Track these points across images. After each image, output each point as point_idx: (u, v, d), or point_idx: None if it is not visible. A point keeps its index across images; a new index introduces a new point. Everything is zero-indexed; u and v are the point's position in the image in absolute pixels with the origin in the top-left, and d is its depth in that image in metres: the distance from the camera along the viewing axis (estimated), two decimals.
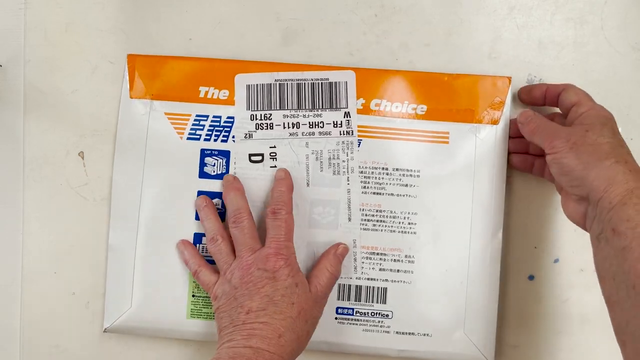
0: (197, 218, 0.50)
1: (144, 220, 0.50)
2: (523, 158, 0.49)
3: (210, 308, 0.49)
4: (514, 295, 0.51)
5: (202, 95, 0.50)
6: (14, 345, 0.51)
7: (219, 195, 0.50)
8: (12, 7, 0.52)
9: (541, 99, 0.48)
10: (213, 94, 0.50)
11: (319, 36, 0.51)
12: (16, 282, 0.51)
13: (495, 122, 0.50)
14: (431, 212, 0.50)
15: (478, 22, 0.52)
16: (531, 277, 0.51)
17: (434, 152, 0.50)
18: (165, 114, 0.50)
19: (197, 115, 0.50)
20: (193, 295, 0.50)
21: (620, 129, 0.51)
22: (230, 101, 0.50)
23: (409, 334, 0.49)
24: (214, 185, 0.50)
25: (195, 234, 0.50)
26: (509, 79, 0.50)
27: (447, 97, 0.50)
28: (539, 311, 0.51)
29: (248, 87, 0.50)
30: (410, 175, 0.50)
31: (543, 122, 0.45)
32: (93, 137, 0.52)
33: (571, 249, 0.51)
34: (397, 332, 0.49)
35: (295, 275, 0.45)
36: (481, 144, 0.49)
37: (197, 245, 0.50)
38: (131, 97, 0.51)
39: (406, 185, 0.50)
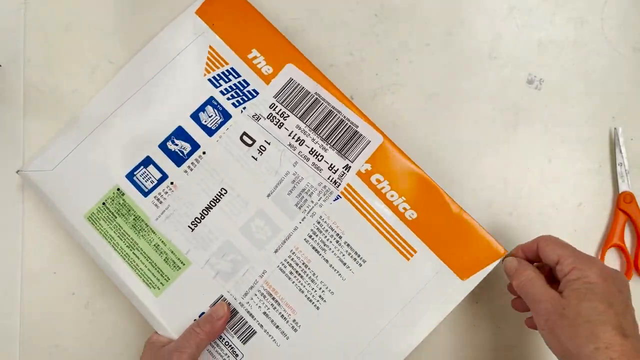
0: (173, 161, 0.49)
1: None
2: (521, 302, 0.45)
3: None
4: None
5: (250, 56, 0.49)
6: (14, 345, 0.51)
7: (181, 136, 0.48)
8: (12, 7, 0.52)
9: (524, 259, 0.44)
10: (259, 62, 0.49)
11: (319, 36, 0.51)
12: (16, 282, 0.51)
13: (463, 277, 0.46)
14: (346, 305, 0.46)
15: (478, 22, 0.52)
16: None
17: (390, 258, 0.46)
18: (210, 47, 0.49)
19: (231, 68, 0.49)
20: None
21: (620, 129, 0.51)
22: (267, 78, 0.49)
23: None
24: (193, 132, 0.48)
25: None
26: (504, 253, 0.46)
27: (439, 222, 0.46)
28: None
29: (290, 80, 0.48)
30: (354, 260, 0.47)
31: (529, 277, 0.42)
32: None
33: None
34: None
35: None
36: (435, 284, 0.46)
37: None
38: (195, 12, 0.50)
39: (345, 264, 0.46)
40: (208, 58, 0.49)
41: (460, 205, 0.47)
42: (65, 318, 0.51)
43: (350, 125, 0.48)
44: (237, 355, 0.47)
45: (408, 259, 0.46)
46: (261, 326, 0.47)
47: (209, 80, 0.49)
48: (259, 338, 0.47)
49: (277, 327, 0.47)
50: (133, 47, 0.51)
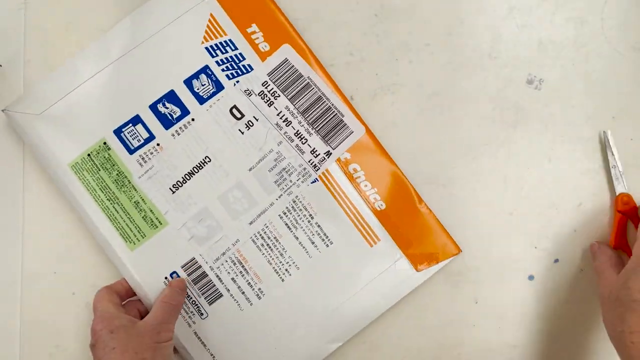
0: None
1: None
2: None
3: None
4: (514, 295, 0.51)
5: (249, 30, 0.49)
6: (14, 345, 0.51)
7: (173, 100, 0.49)
8: (12, 7, 0.51)
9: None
10: (257, 38, 0.49)
11: (319, 36, 0.51)
12: (16, 282, 0.51)
13: (418, 269, 0.49)
14: (309, 281, 0.49)
15: (478, 22, 0.52)
16: (531, 277, 0.51)
17: (355, 242, 0.49)
18: (211, 15, 0.49)
19: (230, 40, 0.49)
20: None
21: (609, 132, 0.51)
22: (263, 56, 0.49)
23: (204, 345, 0.49)
24: (185, 98, 0.49)
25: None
26: (459, 253, 0.50)
27: (405, 216, 0.50)
28: (539, 311, 0.51)
29: (285, 60, 0.49)
30: (323, 240, 0.49)
31: (602, 261, 0.47)
32: None
33: (571, 249, 0.51)
34: (195, 334, 0.49)
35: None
36: (391, 272, 0.49)
37: None
38: None
39: (313, 243, 0.49)
40: (207, 26, 0.49)
41: (426, 203, 0.50)
42: (65, 318, 0.51)
43: (336, 114, 0.50)
44: (202, 314, 0.50)
45: (371, 245, 0.49)
46: (228, 290, 0.50)
47: (206, 48, 0.49)
48: (225, 301, 0.50)
49: (243, 293, 0.50)
50: None
